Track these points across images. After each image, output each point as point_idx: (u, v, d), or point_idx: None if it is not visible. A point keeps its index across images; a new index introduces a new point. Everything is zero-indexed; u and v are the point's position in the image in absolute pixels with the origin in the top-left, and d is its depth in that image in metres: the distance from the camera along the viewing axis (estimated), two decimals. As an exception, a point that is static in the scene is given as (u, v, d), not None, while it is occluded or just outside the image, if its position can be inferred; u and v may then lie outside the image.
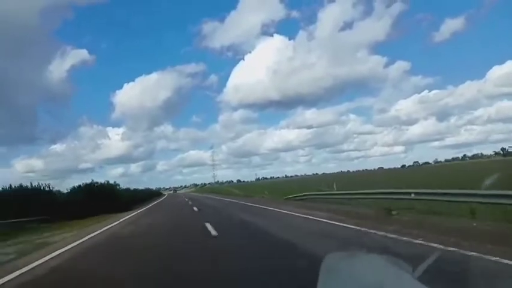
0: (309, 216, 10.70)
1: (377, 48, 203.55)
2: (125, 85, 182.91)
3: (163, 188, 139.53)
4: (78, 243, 8.79)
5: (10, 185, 18.88)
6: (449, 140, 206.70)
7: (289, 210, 13.40)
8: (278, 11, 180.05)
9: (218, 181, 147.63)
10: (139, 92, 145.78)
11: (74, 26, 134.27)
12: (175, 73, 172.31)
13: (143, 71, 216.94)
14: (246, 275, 4.51)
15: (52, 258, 6.88)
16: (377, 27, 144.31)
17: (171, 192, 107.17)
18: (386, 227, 7.36)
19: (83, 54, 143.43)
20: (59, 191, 20.67)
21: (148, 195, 50.42)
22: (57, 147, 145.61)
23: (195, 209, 19.17)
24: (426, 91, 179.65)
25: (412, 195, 10.28)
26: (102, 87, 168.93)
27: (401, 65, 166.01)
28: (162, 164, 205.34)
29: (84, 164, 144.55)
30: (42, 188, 19.37)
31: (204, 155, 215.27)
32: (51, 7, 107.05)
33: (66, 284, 5.00)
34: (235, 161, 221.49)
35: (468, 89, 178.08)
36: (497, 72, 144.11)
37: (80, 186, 22.45)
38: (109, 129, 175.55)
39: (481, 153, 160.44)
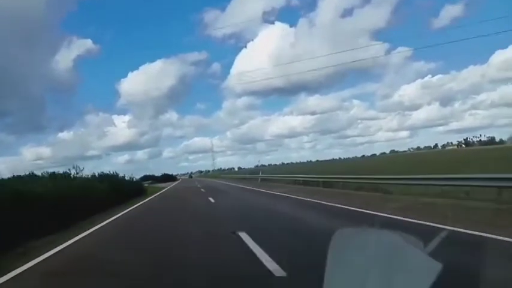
0: (219, 181, 60.32)
1: (378, 34, 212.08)
2: (130, 73, 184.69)
3: (171, 174, 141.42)
4: (173, 184, 58.37)
5: (145, 175, 69.07)
6: (454, 125, 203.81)
7: (215, 179, 63.11)
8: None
9: (221, 168, 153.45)
10: (144, 80, 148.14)
11: (79, 17, 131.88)
12: (178, 61, 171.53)
13: (147, 60, 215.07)
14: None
15: (168, 187, 56.85)
16: (377, 14, 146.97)
17: (187, 177, 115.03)
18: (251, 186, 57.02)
19: (87, 44, 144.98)
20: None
21: (172, 178, 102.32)
22: (65, 135, 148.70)
23: (196, 182, 68.47)
24: (429, 76, 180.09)
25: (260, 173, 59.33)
26: (107, 76, 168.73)
27: (403, 51, 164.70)
28: (168, 151, 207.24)
29: (91, 151, 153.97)
30: (152, 175, 69.67)
31: (209, 141, 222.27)
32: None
33: (176, 190, 53.87)
34: (239, 148, 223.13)
35: (471, 74, 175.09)
36: (500, 56, 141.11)
37: (164, 174, 73.57)
38: (115, 117, 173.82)
39: (451, 142, 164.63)
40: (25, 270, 5.12)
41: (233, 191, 22.79)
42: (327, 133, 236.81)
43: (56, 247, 6.65)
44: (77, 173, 15.22)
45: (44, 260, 5.75)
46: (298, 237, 6.10)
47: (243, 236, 6.12)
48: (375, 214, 7.92)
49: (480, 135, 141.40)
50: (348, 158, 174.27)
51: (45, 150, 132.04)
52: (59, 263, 5.53)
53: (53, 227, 8.45)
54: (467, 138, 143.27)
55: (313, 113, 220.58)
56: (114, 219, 11.16)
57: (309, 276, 3.56)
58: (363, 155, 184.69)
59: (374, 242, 1.20)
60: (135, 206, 15.99)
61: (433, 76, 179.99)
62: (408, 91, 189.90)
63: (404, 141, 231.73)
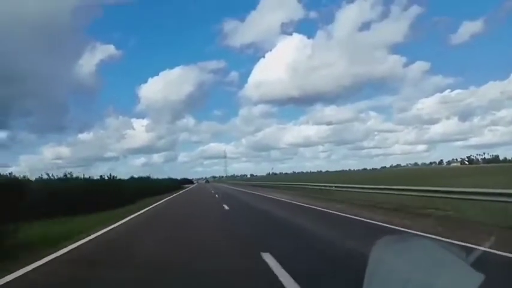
0: (223, 185, 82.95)
1: (395, 48, 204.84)
2: (150, 79, 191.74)
3: (188, 178, 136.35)
4: (193, 186, 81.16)
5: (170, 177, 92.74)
6: (473, 140, 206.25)
7: (222, 184, 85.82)
8: (297, 11, 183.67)
9: (233, 174, 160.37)
10: (163, 85, 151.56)
11: (103, 23, 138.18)
12: (197, 69, 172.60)
13: (167, 66, 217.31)
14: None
15: (190, 187, 79.86)
16: (395, 29, 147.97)
17: (203, 182, 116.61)
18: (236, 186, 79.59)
19: (110, 49, 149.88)
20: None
21: (190, 181, 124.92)
22: (84, 136, 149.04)
23: (207, 186, 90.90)
24: (448, 91, 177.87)
25: (247, 180, 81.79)
26: (128, 81, 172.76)
27: (420, 65, 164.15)
28: (183, 156, 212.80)
29: (109, 153, 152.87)
30: (175, 178, 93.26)
31: (224, 148, 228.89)
32: (83, 7, 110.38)
33: (196, 188, 76.21)
34: (254, 155, 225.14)
35: (491, 90, 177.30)
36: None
37: (183, 178, 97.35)
38: (134, 120, 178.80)
39: (456, 159, 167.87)
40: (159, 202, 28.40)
41: (224, 188, 45.87)
42: (343, 144, 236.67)
43: (168, 196, 30.21)
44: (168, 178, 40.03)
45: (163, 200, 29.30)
46: (233, 195, 29.10)
47: (215, 193, 29.88)
48: (271, 197, 30.58)
49: (484, 153, 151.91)
50: (358, 170, 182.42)
51: (64, 150, 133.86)
52: (170, 199, 29.21)
53: (164, 192, 31.81)
54: (470, 155, 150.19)
55: (329, 123, 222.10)
56: (179, 193, 34.93)
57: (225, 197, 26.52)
58: (365, 168, 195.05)
59: (416, 250, 1.25)
60: (183, 190, 40.86)
61: (452, 91, 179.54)
62: (426, 105, 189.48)
63: (421, 155, 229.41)
